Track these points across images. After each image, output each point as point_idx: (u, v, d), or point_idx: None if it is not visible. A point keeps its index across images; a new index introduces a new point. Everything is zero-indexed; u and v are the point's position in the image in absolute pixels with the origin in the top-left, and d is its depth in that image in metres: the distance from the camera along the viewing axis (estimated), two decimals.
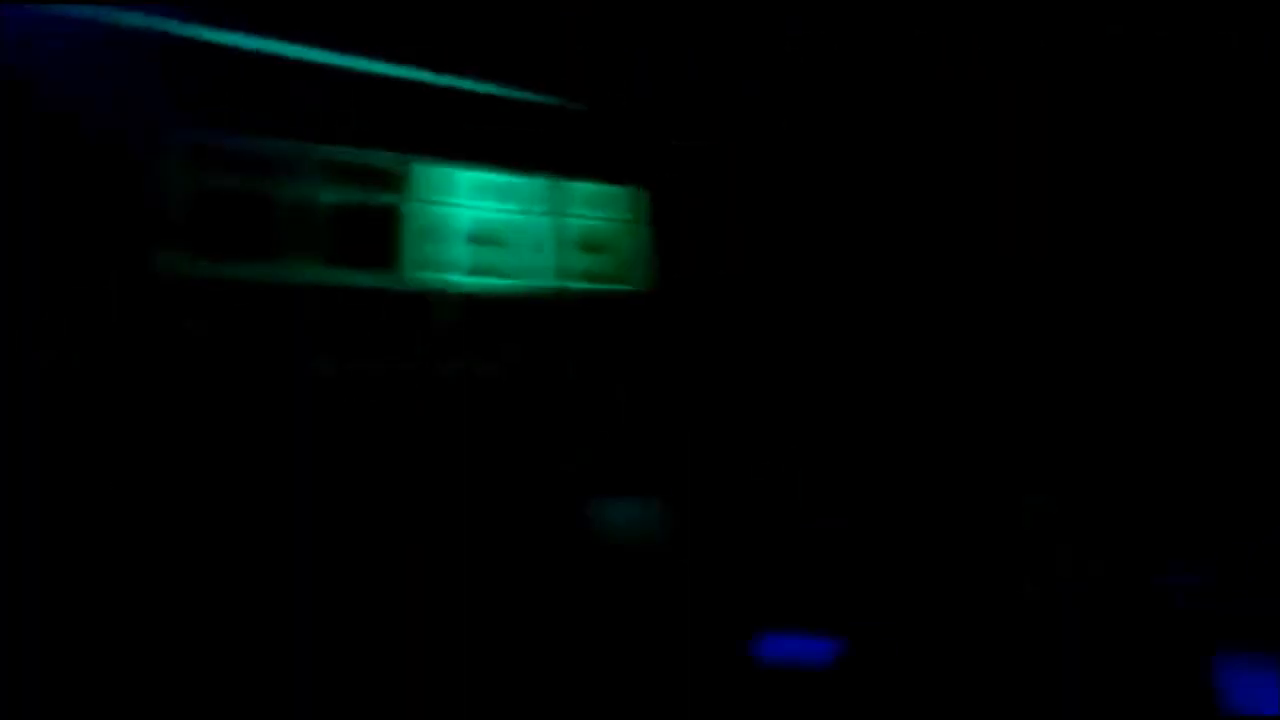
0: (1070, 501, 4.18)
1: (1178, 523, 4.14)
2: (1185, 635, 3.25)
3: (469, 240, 5.78)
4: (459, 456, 5.26)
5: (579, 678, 3.51)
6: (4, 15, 4.47)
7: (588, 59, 6.12)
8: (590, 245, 6.25)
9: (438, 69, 5.64)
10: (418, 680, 3.87)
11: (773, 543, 4.13)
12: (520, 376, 5.72)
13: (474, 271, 5.78)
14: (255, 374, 4.98)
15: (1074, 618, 3.38)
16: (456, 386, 5.49)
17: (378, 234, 5.55)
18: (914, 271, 6.11)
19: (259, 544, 4.52)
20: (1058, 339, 5.51)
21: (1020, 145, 5.95)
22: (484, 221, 5.86)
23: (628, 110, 6.28)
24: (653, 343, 6.18)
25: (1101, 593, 3.50)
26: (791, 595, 3.70)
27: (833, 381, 5.98)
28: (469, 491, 5.10)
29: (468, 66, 5.71)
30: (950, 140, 6.09)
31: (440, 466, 5.18)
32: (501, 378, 5.67)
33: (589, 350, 6.02)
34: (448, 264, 5.68)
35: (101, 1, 4.73)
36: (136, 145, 4.78)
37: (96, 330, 4.58)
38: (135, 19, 4.83)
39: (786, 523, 4.35)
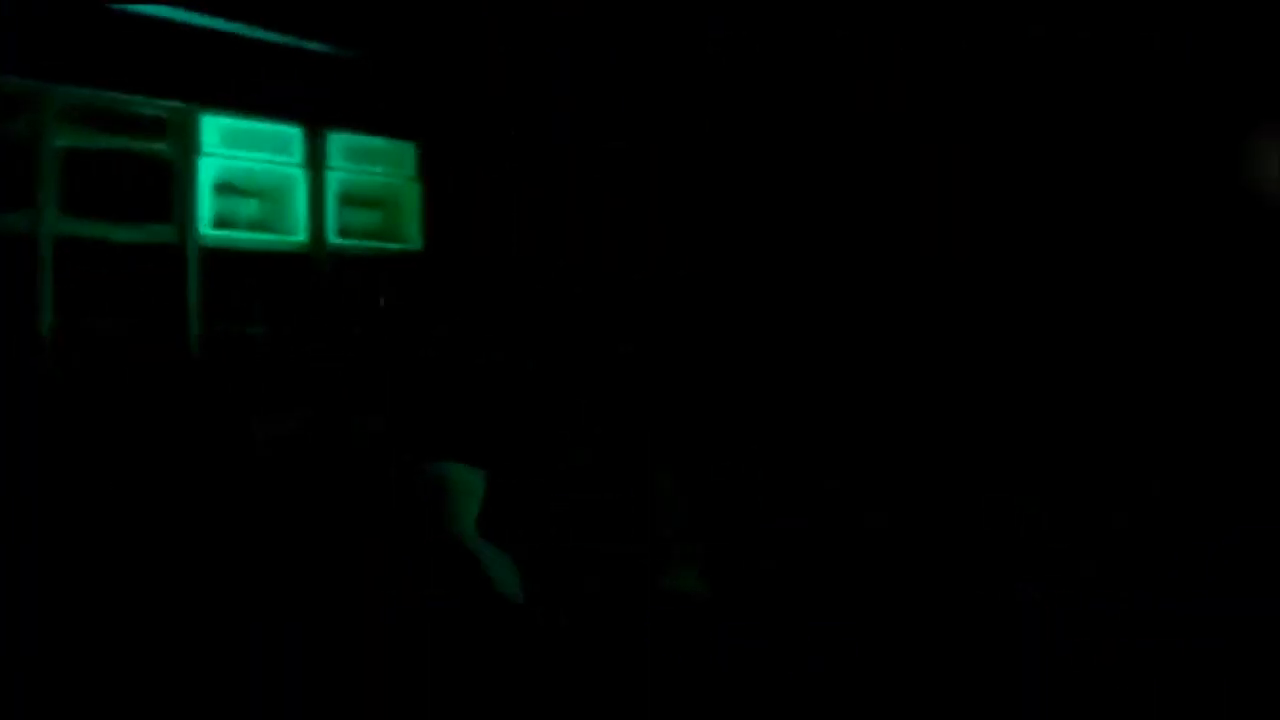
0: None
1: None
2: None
3: (225, 192, 5.53)
4: (208, 422, 5.09)
5: None
6: None
7: (358, 4, 5.87)
8: (360, 201, 6.07)
9: (201, 10, 5.34)
10: None
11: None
12: (277, 336, 5.56)
13: (230, 225, 5.55)
14: None
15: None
16: (206, 347, 5.30)
17: (139, 185, 5.27)
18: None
19: None
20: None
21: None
22: (243, 172, 5.61)
23: (401, 61, 6.07)
24: (424, 304, 6.08)
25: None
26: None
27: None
28: (216, 458, 4.95)
29: (233, 8, 5.41)
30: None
31: (188, 431, 5.01)
32: (258, 338, 5.51)
33: (353, 309, 5.89)
34: (204, 217, 5.43)
35: None
36: None
37: None
38: None
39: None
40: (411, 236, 6.21)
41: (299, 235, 5.78)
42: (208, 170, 5.46)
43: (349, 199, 6.01)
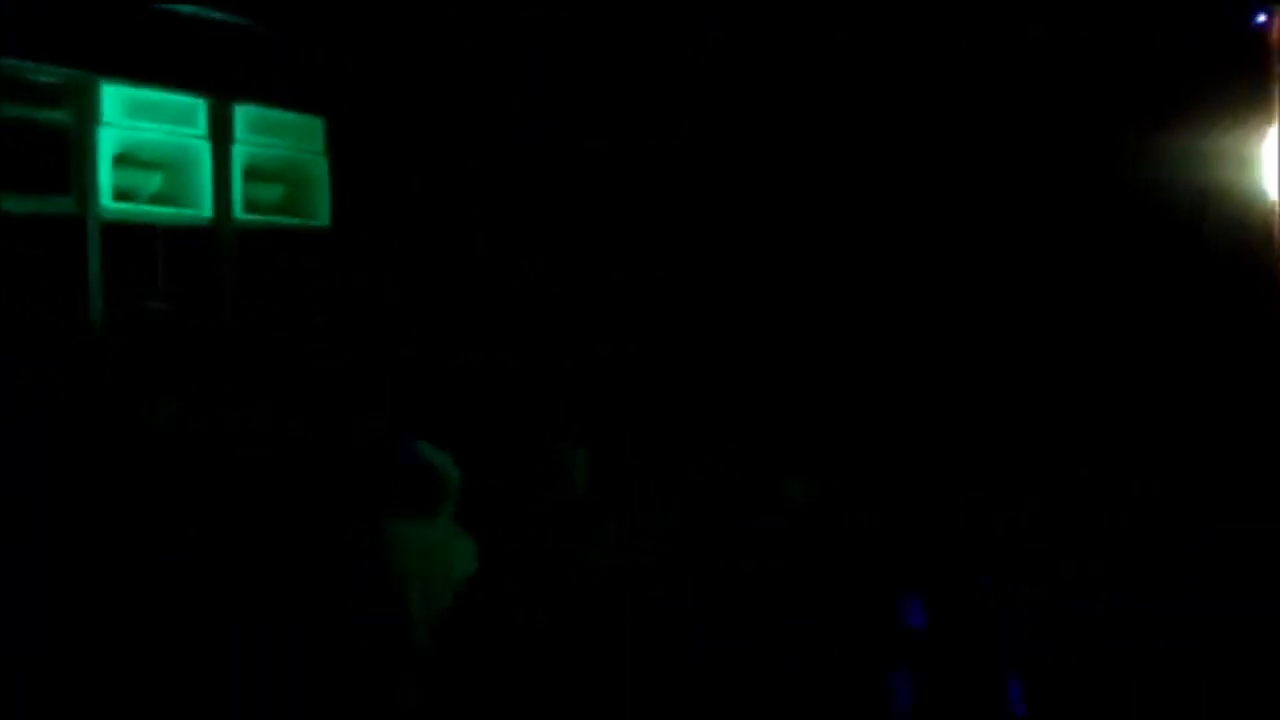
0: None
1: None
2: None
3: (127, 164, 5.35)
4: (109, 401, 4.97)
5: None
6: None
7: None
8: (267, 175, 5.95)
9: None
10: None
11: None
12: (179, 315, 5.45)
13: (132, 198, 5.39)
14: None
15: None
16: (109, 324, 5.16)
17: (36, 155, 5.06)
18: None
19: None
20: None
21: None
22: (145, 144, 5.44)
23: (307, 31, 5.93)
24: (332, 282, 6.00)
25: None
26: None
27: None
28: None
29: None
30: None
31: (89, 410, 4.89)
32: (163, 315, 5.39)
33: (258, 288, 5.79)
34: (105, 189, 5.25)
35: None
36: None
37: None
38: None
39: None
40: (319, 213, 6.12)
41: (204, 209, 5.65)
42: (108, 141, 5.28)
43: (255, 173, 5.89)
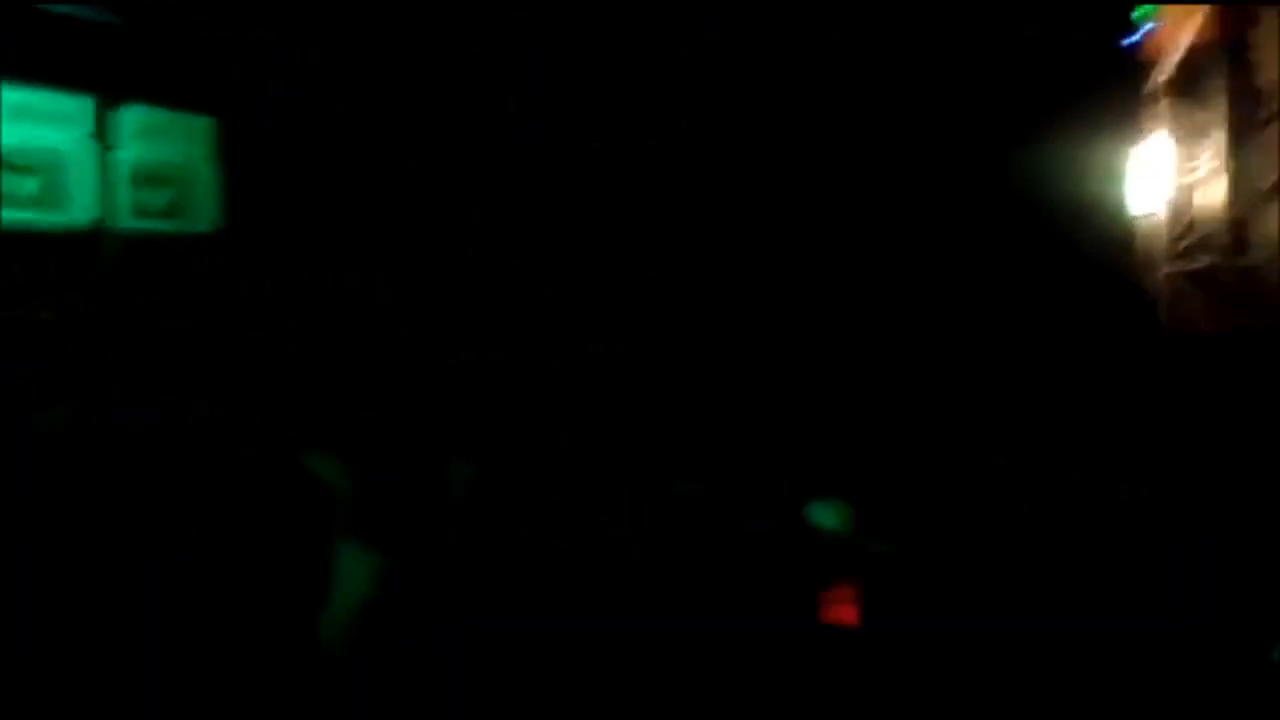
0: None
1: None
2: None
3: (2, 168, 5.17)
4: None
5: None
6: None
7: None
8: (153, 178, 5.79)
9: None
10: None
11: None
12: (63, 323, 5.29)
13: (7, 204, 5.19)
14: None
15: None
16: None
17: None
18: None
19: None
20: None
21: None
22: (22, 147, 5.26)
23: (194, 30, 5.79)
24: (221, 290, 5.88)
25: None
26: None
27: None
28: None
29: None
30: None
31: None
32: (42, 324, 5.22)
33: (142, 297, 5.64)
34: None
35: None
36: None
37: None
38: None
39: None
40: (208, 218, 5.98)
41: (86, 214, 5.49)
42: None
43: (141, 176, 5.74)
